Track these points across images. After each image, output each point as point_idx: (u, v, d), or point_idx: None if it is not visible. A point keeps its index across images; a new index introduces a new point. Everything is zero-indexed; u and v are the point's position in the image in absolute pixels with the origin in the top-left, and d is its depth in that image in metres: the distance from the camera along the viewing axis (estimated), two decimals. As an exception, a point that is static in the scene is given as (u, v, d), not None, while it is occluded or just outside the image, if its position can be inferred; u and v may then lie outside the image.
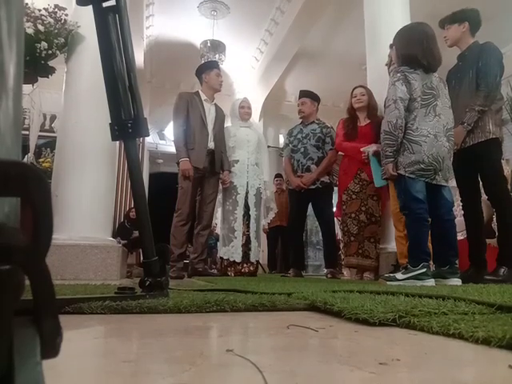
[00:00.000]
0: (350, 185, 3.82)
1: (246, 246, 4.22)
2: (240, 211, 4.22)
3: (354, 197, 3.79)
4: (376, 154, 3.29)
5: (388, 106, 2.57)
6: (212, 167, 4.04)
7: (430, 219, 2.53)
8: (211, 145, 4.02)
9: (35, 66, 3.28)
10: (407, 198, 2.52)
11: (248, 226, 4.25)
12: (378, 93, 3.80)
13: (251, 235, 4.24)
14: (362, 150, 3.54)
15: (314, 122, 4.43)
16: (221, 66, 6.95)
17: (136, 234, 6.53)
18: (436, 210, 2.56)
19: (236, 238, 4.18)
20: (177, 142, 3.93)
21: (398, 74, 2.56)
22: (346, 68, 7.18)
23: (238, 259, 4.16)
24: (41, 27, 3.20)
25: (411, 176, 2.48)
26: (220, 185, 4.25)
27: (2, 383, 0.27)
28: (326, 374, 0.52)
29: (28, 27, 3.12)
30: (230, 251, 4.17)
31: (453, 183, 3.16)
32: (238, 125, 4.47)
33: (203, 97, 4.09)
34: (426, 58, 2.57)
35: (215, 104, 4.20)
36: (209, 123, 4.03)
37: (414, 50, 2.59)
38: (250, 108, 4.53)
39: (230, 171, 4.22)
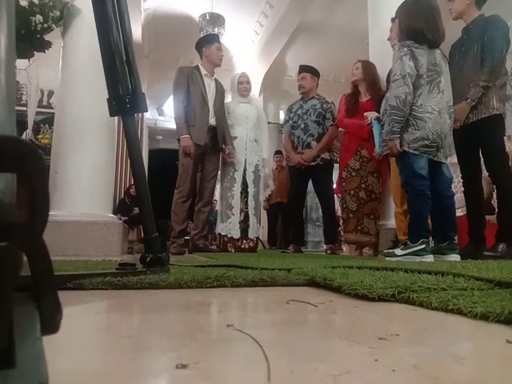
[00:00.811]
0: (350, 162, 3.81)
1: (245, 222, 4.23)
2: (237, 188, 4.21)
3: (353, 174, 3.79)
4: (378, 119, 3.25)
5: (395, 81, 2.51)
6: (213, 144, 4.00)
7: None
8: (212, 121, 3.97)
9: (31, 40, 3.21)
10: (410, 175, 2.51)
11: (246, 203, 4.25)
12: (381, 66, 3.74)
13: (250, 212, 4.24)
14: (365, 114, 3.48)
15: (314, 97, 4.38)
16: (220, 39, 6.84)
17: (137, 210, 6.55)
18: (435, 187, 2.56)
19: (234, 214, 4.18)
20: (177, 118, 3.89)
21: (405, 49, 2.50)
22: (348, 42, 7.05)
23: (236, 235, 4.17)
24: (35, -1, 3.12)
25: (415, 152, 2.47)
26: (220, 161, 4.23)
27: (3, 359, 0.27)
28: (325, 349, 0.52)
29: (22, -1, 3.05)
30: (228, 227, 4.19)
31: (454, 159, 3.15)
32: (237, 101, 4.41)
33: (203, 71, 4.02)
34: (431, 32, 2.52)
35: (215, 79, 4.13)
36: (209, 99, 3.97)
37: (419, 24, 2.53)
38: (248, 83, 4.45)
39: (232, 146, 4.18)
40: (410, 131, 2.48)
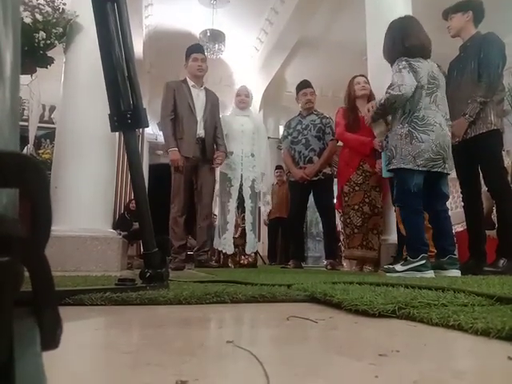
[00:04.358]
0: (352, 176, 3.78)
1: (243, 238, 4.21)
2: (233, 203, 4.20)
3: (357, 188, 3.76)
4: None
5: (393, 89, 2.54)
6: (204, 155, 3.97)
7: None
8: (201, 133, 3.94)
9: (34, 56, 3.26)
10: (405, 192, 2.51)
11: (244, 219, 4.23)
12: (379, 82, 3.77)
13: (247, 227, 4.21)
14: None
15: (312, 112, 4.41)
16: (220, 56, 6.91)
17: (136, 225, 6.54)
18: (430, 201, 2.57)
19: (228, 229, 4.17)
20: (164, 131, 3.89)
21: (403, 62, 2.54)
22: (347, 58, 7.13)
23: (230, 251, 4.15)
24: (39, 16, 3.17)
25: (423, 169, 2.46)
26: (217, 175, 4.22)
27: (2, 374, 0.27)
28: (325, 365, 0.52)
29: (26, 16, 3.10)
30: (223, 243, 4.18)
31: (453, 174, 3.16)
32: (234, 114, 4.43)
33: (190, 83, 4.02)
34: (404, 46, 2.58)
35: (205, 89, 4.11)
36: (198, 110, 3.94)
37: (394, 49, 2.64)
38: (247, 96, 4.44)
39: (226, 153, 4.12)
40: (414, 144, 2.48)
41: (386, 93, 2.59)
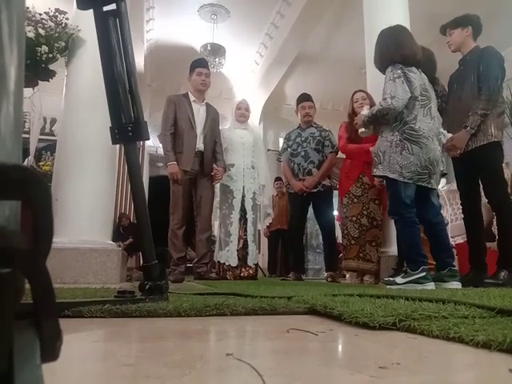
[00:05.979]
0: (351, 188, 3.82)
1: (244, 249, 4.21)
2: (236, 215, 4.20)
3: (355, 200, 3.79)
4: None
5: (384, 100, 2.53)
6: (202, 169, 3.97)
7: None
8: (200, 146, 3.96)
9: (36, 70, 3.28)
10: (397, 204, 2.51)
11: (245, 230, 4.23)
12: (378, 96, 3.80)
13: (248, 239, 4.21)
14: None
15: (311, 125, 4.44)
16: (220, 70, 6.97)
17: (130, 240, 6.63)
18: (423, 214, 2.57)
19: (232, 241, 4.16)
20: (164, 146, 3.90)
21: (398, 71, 2.53)
22: (346, 71, 7.19)
23: (234, 263, 4.13)
24: (41, 31, 3.21)
25: (409, 181, 2.47)
26: (217, 187, 4.22)
27: (2, 386, 0.27)
28: (326, 378, 0.51)
29: (29, 31, 3.13)
30: (226, 255, 4.15)
31: (453, 186, 3.17)
32: (232, 127, 4.44)
33: (192, 98, 4.04)
34: (397, 53, 2.59)
35: (206, 104, 4.14)
36: (198, 124, 3.96)
37: (387, 56, 2.66)
38: (247, 110, 4.47)
39: (224, 168, 4.12)
40: (403, 154, 2.49)
41: (379, 104, 2.60)
